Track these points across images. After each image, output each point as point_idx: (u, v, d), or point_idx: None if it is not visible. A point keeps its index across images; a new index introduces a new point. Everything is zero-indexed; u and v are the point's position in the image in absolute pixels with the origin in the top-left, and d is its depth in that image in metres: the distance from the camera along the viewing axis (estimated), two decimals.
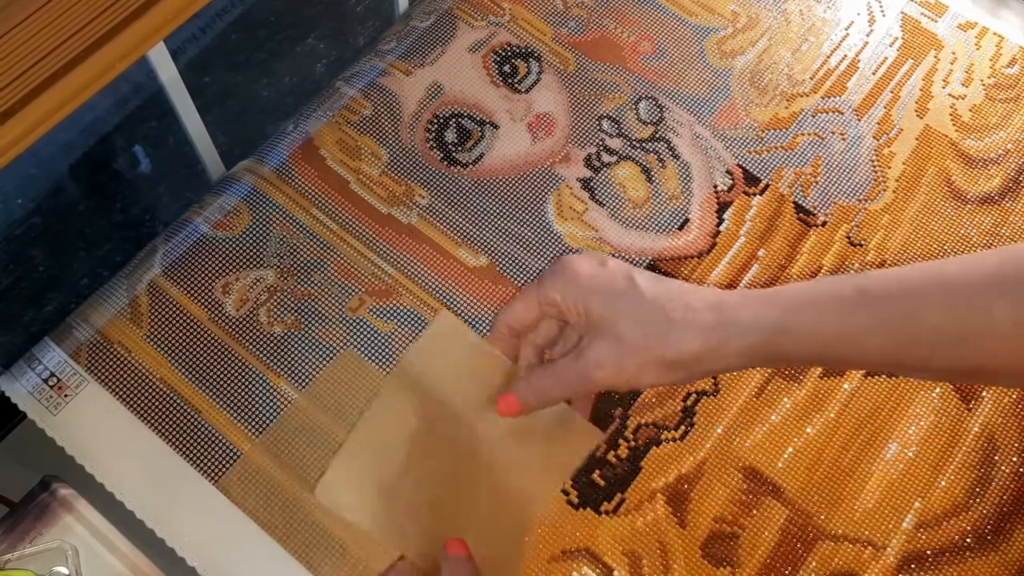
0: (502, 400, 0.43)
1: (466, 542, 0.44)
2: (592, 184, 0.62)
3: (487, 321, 0.58)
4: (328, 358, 0.56)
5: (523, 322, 0.44)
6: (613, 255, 0.60)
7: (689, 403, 0.56)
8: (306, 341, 0.56)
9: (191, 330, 0.56)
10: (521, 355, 0.47)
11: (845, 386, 0.57)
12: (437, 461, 0.48)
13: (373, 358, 0.56)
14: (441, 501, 0.48)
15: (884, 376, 0.57)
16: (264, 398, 0.55)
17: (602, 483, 0.54)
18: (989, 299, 0.35)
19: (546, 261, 0.60)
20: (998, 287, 0.35)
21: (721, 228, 0.61)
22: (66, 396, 0.54)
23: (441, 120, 0.64)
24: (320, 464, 0.53)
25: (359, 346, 0.56)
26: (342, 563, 0.51)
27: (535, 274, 0.59)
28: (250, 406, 0.54)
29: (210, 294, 0.57)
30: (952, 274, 0.37)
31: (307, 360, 0.56)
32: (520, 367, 0.47)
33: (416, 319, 0.57)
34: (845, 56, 0.68)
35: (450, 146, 0.63)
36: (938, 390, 0.57)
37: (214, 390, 0.55)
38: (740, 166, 0.63)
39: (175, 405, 0.54)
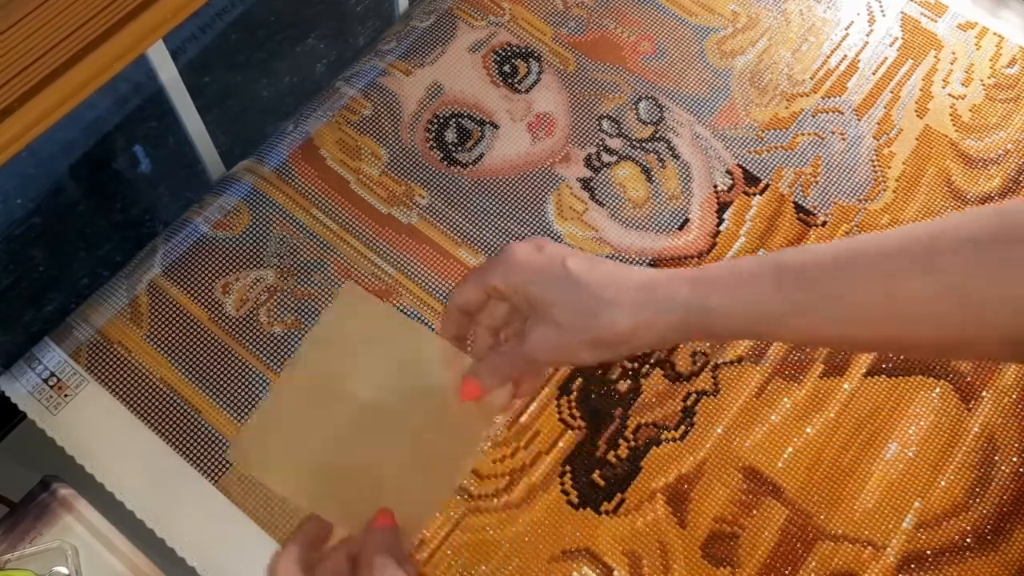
0: (464, 385, 0.45)
1: (392, 512, 0.45)
2: (592, 184, 0.62)
3: None
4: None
5: (471, 305, 0.46)
6: (613, 255, 0.60)
7: (689, 403, 0.56)
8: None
9: (191, 330, 0.56)
10: (476, 337, 0.48)
11: (845, 386, 0.57)
12: (355, 425, 0.49)
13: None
14: (362, 465, 0.48)
15: (884, 376, 0.57)
16: (262, 395, 0.55)
17: (602, 483, 0.54)
18: (904, 279, 0.36)
19: None
20: (909, 261, 0.36)
21: (721, 228, 0.61)
22: (66, 396, 0.54)
23: (441, 120, 0.64)
24: None
25: None
26: None
27: None
28: (250, 406, 0.54)
29: (210, 294, 0.57)
30: (868, 249, 0.38)
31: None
32: (478, 349, 0.48)
33: (416, 319, 0.57)
34: (845, 56, 0.68)
35: (450, 146, 0.63)
36: (938, 390, 0.57)
37: (214, 390, 0.55)
38: (740, 166, 0.63)
39: (175, 405, 0.54)
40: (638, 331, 0.41)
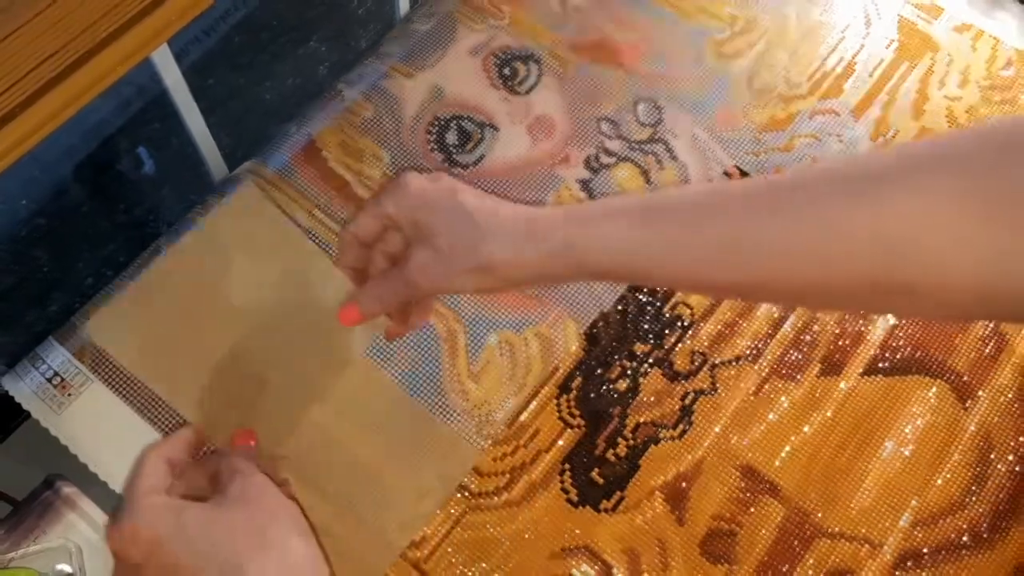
0: (344, 310, 0.46)
1: (254, 432, 0.46)
2: (591, 185, 0.63)
3: (485, 322, 0.58)
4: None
5: (367, 233, 0.46)
6: None
7: (687, 402, 0.57)
8: (306, 341, 0.56)
9: (192, 329, 0.56)
10: (372, 263, 0.48)
11: (842, 385, 0.57)
12: (225, 327, 0.49)
13: (372, 357, 0.56)
14: (229, 369, 0.49)
15: (881, 375, 0.58)
16: (266, 396, 0.55)
17: (601, 481, 0.54)
18: (763, 216, 0.36)
19: None
20: (773, 204, 0.36)
21: None
22: (70, 395, 0.54)
23: (442, 122, 0.64)
24: (320, 463, 0.53)
25: (359, 345, 0.57)
26: (343, 560, 0.51)
27: None
28: (251, 404, 0.55)
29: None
30: (734, 191, 0.38)
31: (307, 360, 0.56)
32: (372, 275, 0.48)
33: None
34: (842, 58, 0.69)
35: (451, 148, 0.63)
36: (934, 389, 0.57)
37: (215, 389, 0.55)
38: (738, 167, 0.64)
39: (177, 404, 0.54)
40: (513, 264, 0.41)
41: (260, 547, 0.40)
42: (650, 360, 0.58)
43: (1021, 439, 0.56)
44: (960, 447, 0.56)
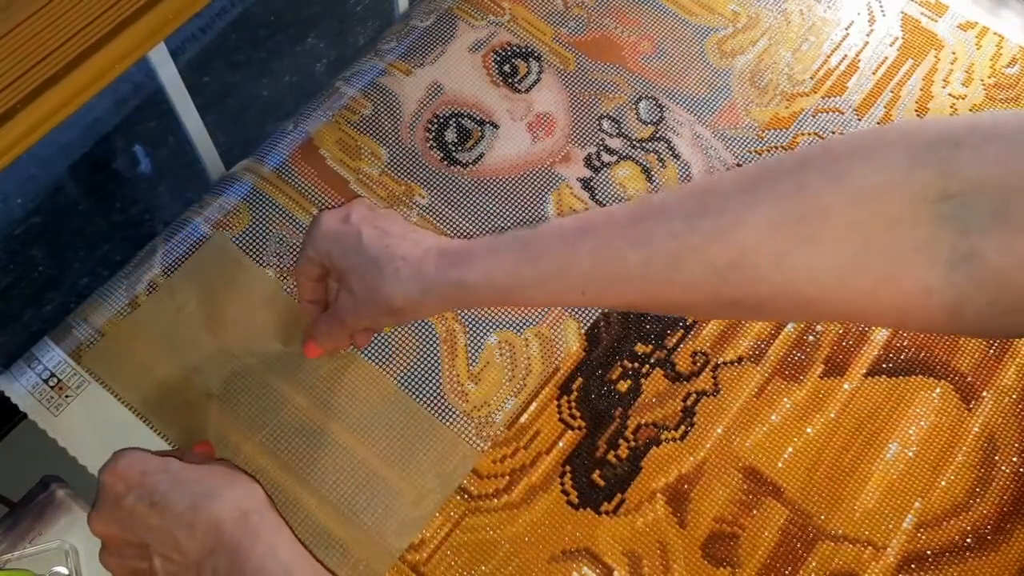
0: (306, 347, 0.53)
1: (211, 444, 0.52)
2: (592, 184, 0.62)
3: (485, 322, 0.58)
4: (328, 358, 0.56)
5: (310, 272, 0.50)
6: None
7: (689, 403, 0.56)
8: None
9: (191, 330, 0.56)
10: (331, 293, 0.53)
11: (845, 386, 0.57)
12: (208, 360, 0.55)
13: (372, 358, 0.56)
14: (201, 398, 0.54)
15: (884, 376, 0.57)
16: (264, 398, 0.55)
17: (602, 483, 0.54)
18: (622, 246, 0.40)
19: None
20: (631, 235, 0.39)
21: None
22: (67, 397, 0.54)
23: (441, 120, 0.64)
24: (319, 464, 0.53)
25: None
26: (342, 563, 0.51)
27: None
28: (250, 406, 0.54)
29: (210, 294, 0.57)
30: (597, 221, 0.41)
31: (307, 360, 0.56)
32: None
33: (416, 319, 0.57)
34: (845, 56, 0.68)
35: (450, 146, 0.63)
36: (938, 390, 0.57)
37: (213, 390, 0.55)
38: (740, 166, 0.63)
39: (174, 405, 0.54)
40: (410, 305, 0.45)
41: (231, 483, 0.45)
42: (652, 361, 0.57)
43: None
44: (964, 449, 0.55)
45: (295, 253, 0.58)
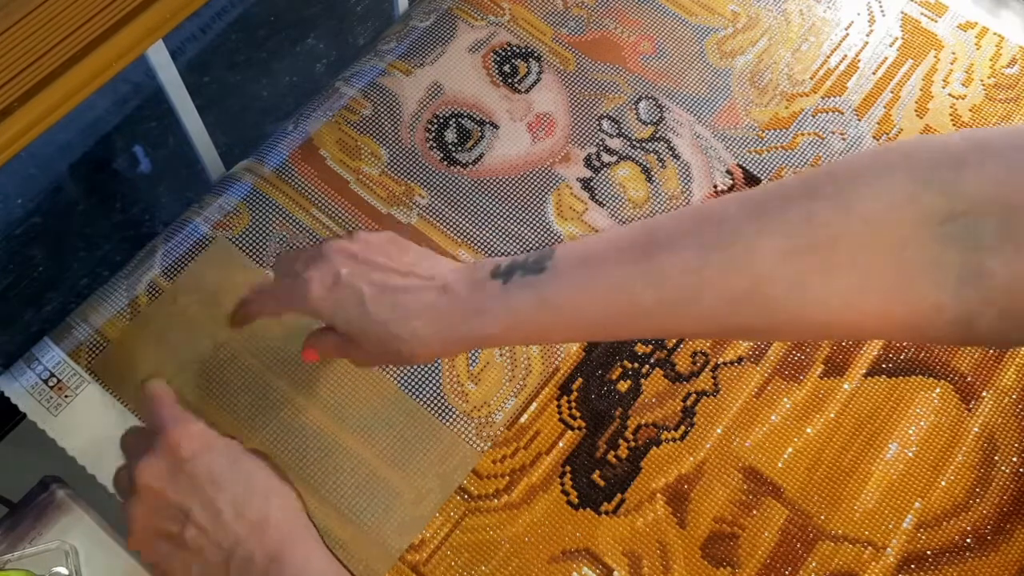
0: (305, 351, 0.50)
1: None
2: (592, 184, 0.62)
3: None
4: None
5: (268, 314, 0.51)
6: None
7: (689, 403, 0.56)
8: None
9: (190, 330, 0.56)
10: None
11: (845, 386, 0.57)
12: (218, 366, 0.55)
13: None
14: (242, 380, 0.55)
15: (884, 376, 0.57)
16: (264, 398, 0.55)
17: (602, 483, 0.54)
18: (637, 286, 0.39)
19: None
20: (644, 272, 0.39)
21: None
22: (66, 397, 0.54)
23: (441, 120, 0.64)
24: (319, 465, 0.53)
25: None
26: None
27: None
28: (250, 406, 0.54)
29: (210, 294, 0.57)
30: (608, 256, 0.41)
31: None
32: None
33: None
34: (845, 56, 0.68)
35: (450, 146, 0.63)
36: (938, 390, 0.57)
37: (213, 390, 0.55)
38: (740, 166, 0.63)
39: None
40: (432, 357, 0.46)
41: (281, 484, 0.46)
42: (652, 361, 0.57)
43: None
44: (964, 449, 0.55)
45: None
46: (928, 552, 0.53)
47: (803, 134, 0.65)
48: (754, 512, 0.53)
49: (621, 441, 0.55)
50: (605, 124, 0.65)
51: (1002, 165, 0.33)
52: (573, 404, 0.56)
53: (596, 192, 0.62)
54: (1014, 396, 0.57)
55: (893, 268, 0.34)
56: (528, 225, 0.61)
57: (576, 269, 0.42)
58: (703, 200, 0.62)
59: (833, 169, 0.37)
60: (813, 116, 0.66)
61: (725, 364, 0.57)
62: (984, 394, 0.57)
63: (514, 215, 0.61)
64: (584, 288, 0.41)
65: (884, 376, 0.57)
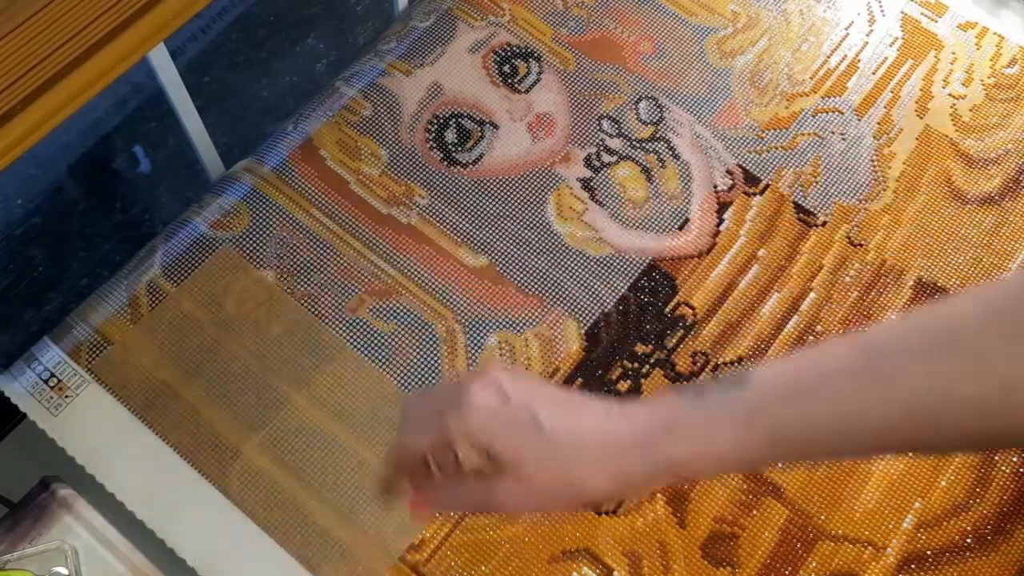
0: (415, 504, 0.42)
1: None
2: (592, 184, 0.62)
3: (485, 323, 0.58)
4: (328, 358, 0.56)
5: (424, 447, 0.41)
6: (614, 255, 0.60)
7: None
8: (305, 341, 0.56)
9: (190, 329, 0.56)
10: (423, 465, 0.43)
11: None
12: (218, 366, 0.56)
13: (372, 358, 0.56)
14: (243, 382, 0.55)
15: None
16: (264, 398, 0.55)
17: None
18: (865, 393, 0.35)
19: (546, 261, 0.60)
20: (875, 377, 0.35)
21: (721, 228, 0.61)
22: (66, 397, 0.54)
23: (441, 120, 0.64)
24: (320, 465, 0.53)
25: (358, 346, 0.56)
26: (342, 563, 0.51)
27: (535, 274, 0.59)
28: (250, 406, 0.54)
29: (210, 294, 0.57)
30: (831, 368, 0.36)
31: (307, 360, 0.56)
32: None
33: (416, 319, 0.57)
34: (845, 56, 0.68)
35: (450, 146, 0.63)
36: None
37: (213, 390, 0.55)
38: (740, 166, 0.63)
39: (174, 405, 0.54)
40: (613, 493, 0.40)
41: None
42: (652, 361, 0.57)
43: None
44: None
45: (295, 254, 0.58)
46: (928, 552, 0.53)
47: (803, 134, 0.65)
48: (754, 512, 0.53)
49: None
50: (605, 124, 0.65)
51: None
52: None
53: (596, 192, 0.62)
54: None
55: None
56: (528, 225, 0.61)
57: (787, 390, 0.36)
58: (707, 197, 0.62)
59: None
60: (813, 116, 0.66)
61: (725, 364, 0.57)
62: None
63: (514, 215, 0.61)
64: (800, 406, 0.36)
65: None
